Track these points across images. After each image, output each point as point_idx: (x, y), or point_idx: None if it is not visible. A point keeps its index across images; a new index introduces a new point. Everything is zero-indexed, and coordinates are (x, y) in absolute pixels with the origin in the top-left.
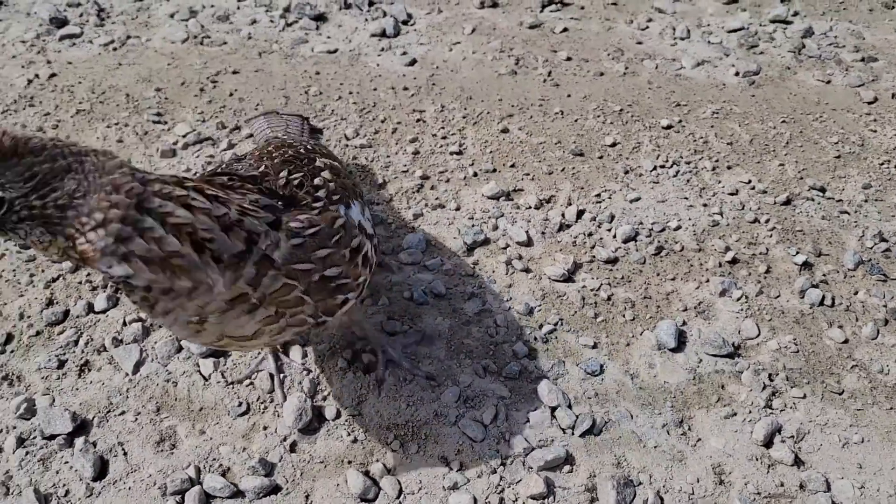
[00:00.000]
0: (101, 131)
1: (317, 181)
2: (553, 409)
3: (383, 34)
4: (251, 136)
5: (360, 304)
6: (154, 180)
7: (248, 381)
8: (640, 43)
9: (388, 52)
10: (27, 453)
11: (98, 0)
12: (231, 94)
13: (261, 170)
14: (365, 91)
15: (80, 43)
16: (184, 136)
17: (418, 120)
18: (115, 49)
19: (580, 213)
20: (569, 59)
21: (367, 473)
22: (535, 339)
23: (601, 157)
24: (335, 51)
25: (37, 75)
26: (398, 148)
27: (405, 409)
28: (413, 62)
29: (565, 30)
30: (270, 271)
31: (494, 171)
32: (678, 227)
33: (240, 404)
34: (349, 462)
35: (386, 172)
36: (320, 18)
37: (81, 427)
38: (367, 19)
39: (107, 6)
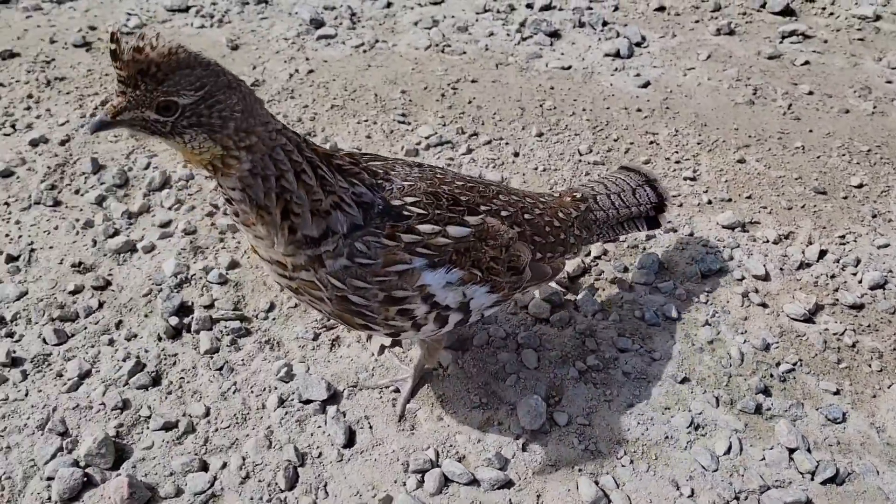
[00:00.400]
0: (352, 126)
1: (453, 230)
2: (791, 451)
3: (617, 54)
4: (489, 142)
5: (432, 344)
6: (283, 131)
7: (484, 381)
8: (889, 82)
9: (621, 72)
10: (286, 413)
11: (351, 5)
12: (470, 102)
13: (419, 186)
14: (598, 109)
15: (334, 43)
16: (426, 138)
17: (651, 142)
18: (364, 51)
19: (822, 253)
20: (810, 93)
21: (597, 483)
22: (772, 376)
23: (846, 198)
24: (569, 67)
25: (297, 70)
26: None
27: (636, 426)
28: (646, 84)
29: (806, 62)
30: (313, 269)
31: (730, 200)
32: None
33: (478, 398)
34: (580, 470)
35: None
36: (554, 35)
37: (333, 397)
38: (600, 39)
39: (358, 11)
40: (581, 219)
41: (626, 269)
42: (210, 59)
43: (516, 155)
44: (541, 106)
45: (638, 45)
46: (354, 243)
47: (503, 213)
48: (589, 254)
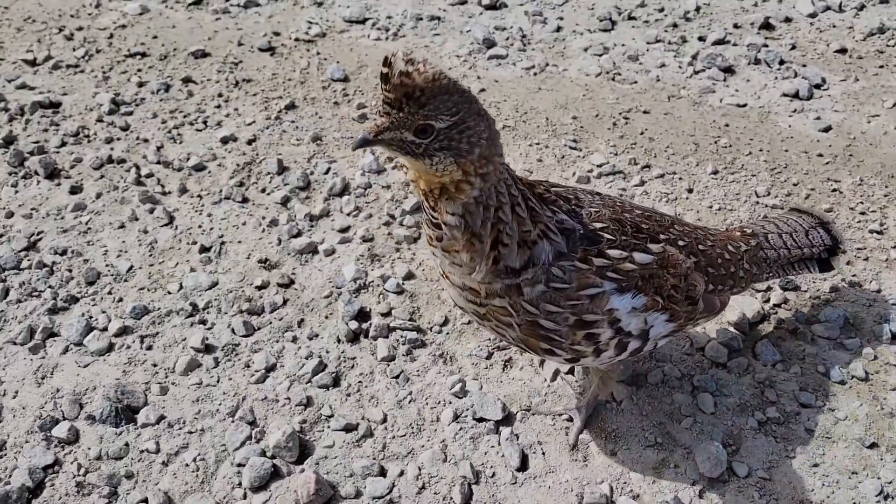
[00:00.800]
0: (523, 148)
1: (638, 256)
2: None
3: (795, 95)
4: (661, 175)
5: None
6: (506, 167)
7: (659, 421)
8: None
9: (799, 114)
10: (460, 428)
11: (522, 27)
12: (642, 133)
13: (604, 213)
14: (775, 150)
15: (504, 64)
16: (598, 166)
17: (834, 190)
18: (535, 74)
19: None
20: None
21: None
22: None
23: None
24: (744, 105)
25: (469, 88)
26: None
27: (820, 487)
28: (827, 129)
29: None
30: (509, 296)
31: None
32: None
33: (652, 437)
34: None
35: None
36: (728, 70)
37: (507, 418)
38: (776, 77)
39: (528, 33)
40: (751, 253)
41: (808, 321)
42: (465, 86)
43: (690, 191)
44: (715, 143)
45: (817, 87)
46: (551, 268)
47: (680, 243)
48: (768, 300)
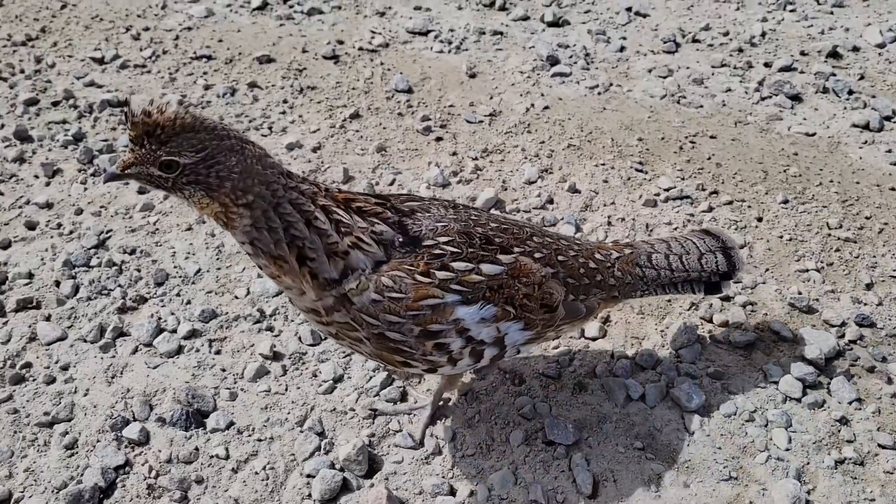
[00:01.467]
0: (588, 168)
1: (486, 267)
2: None
3: (866, 126)
4: (730, 203)
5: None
6: (294, 188)
7: (732, 454)
8: None
9: (870, 145)
10: (530, 451)
11: (586, 45)
12: (709, 158)
13: (452, 227)
14: (846, 182)
15: (568, 82)
16: (666, 191)
17: None
18: (599, 93)
19: None
20: None
21: None
22: None
23: None
24: (813, 134)
25: (532, 105)
26: (886, 250)
27: None
28: None
29: None
30: (344, 309)
31: None
32: None
33: (726, 471)
34: None
35: (873, 273)
36: (796, 98)
37: (577, 443)
38: (846, 108)
39: (592, 52)
40: (623, 261)
41: (884, 359)
42: (216, 123)
43: (759, 220)
44: (784, 171)
45: (888, 118)
46: (381, 278)
47: (536, 255)
48: (843, 335)
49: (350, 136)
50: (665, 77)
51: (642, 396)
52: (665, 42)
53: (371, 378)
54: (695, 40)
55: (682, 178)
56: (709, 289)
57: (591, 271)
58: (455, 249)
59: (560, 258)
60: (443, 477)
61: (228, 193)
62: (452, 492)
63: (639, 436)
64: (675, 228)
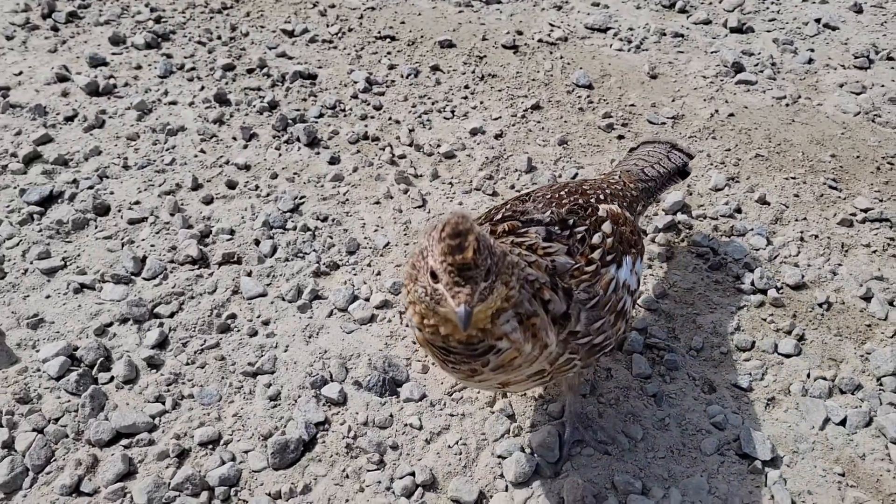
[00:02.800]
0: (778, 181)
1: (595, 238)
2: None
3: None
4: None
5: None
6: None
7: None
8: None
9: None
10: (723, 462)
11: (772, 54)
12: None
13: (546, 215)
14: None
15: (753, 90)
16: (864, 211)
17: None
18: (786, 105)
19: None
20: None
21: None
22: None
23: None
24: None
25: (717, 111)
26: None
27: None
28: None
29: None
30: (564, 344)
31: None
32: None
33: None
34: None
35: None
36: None
37: (773, 460)
38: None
39: (778, 62)
40: (629, 180)
41: None
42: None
43: None
44: None
45: None
46: (577, 295)
47: (603, 199)
48: None
49: (531, 126)
50: (858, 94)
51: (843, 421)
52: (857, 57)
53: None
54: (889, 58)
55: (881, 200)
56: (682, 175)
57: (624, 196)
58: (582, 226)
59: (609, 193)
60: (634, 476)
61: (506, 280)
62: (645, 491)
63: (839, 461)
64: (875, 252)
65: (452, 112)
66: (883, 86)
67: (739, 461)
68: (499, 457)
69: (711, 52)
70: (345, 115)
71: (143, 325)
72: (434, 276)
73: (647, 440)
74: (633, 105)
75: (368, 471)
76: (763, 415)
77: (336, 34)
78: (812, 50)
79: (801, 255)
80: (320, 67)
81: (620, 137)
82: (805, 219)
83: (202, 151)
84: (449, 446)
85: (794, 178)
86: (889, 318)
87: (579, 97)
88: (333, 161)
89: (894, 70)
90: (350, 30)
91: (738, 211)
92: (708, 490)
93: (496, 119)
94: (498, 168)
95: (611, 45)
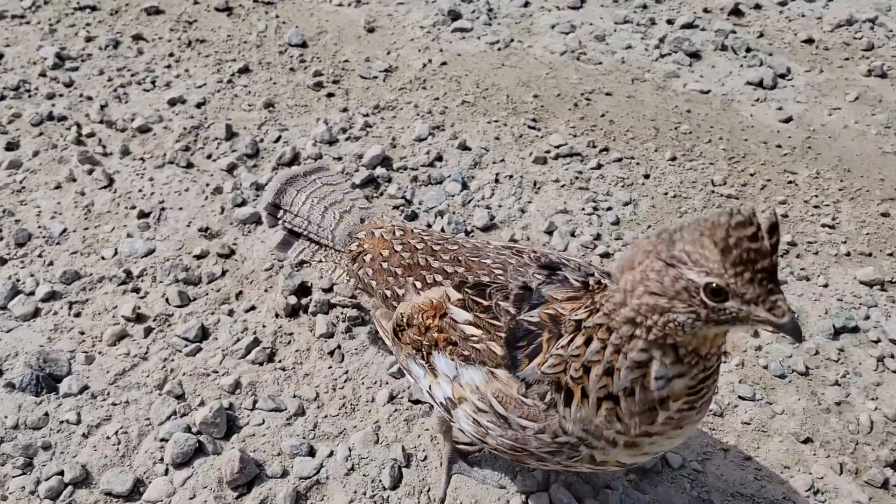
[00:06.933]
0: (481, 125)
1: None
2: None
3: (759, 84)
4: (619, 160)
5: None
6: None
7: None
8: None
9: (762, 103)
10: (395, 410)
11: (489, 0)
12: (602, 115)
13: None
14: (735, 139)
15: (469, 37)
16: (556, 147)
17: (790, 182)
18: (499, 49)
19: None
20: None
21: None
22: None
23: None
24: (707, 91)
25: (430, 60)
26: (766, 206)
27: (752, 481)
28: (788, 119)
29: None
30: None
31: (870, 255)
32: None
33: None
34: None
35: None
36: (694, 56)
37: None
38: (742, 65)
39: (496, 7)
40: None
41: None
42: None
43: (646, 177)
44: (676, 129)
45: (782, 76)
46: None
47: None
48: None
49: (238, 91)
50: (567, 33)
51: None
52: None
53: (238, 340)
54: None
55: (574, 136)
56: None
57: None
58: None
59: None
60: (303, 438)
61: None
62: (312, 452)
63: None
64: (563, 186)
65: (153, 83)
66: (591, 24)
67: (412, 407)
68: (161, 440)
69: (431, 2)
70: (29, 96)
71: None
72: (718, 293)
73: (320, 399)
74: (346, 61)
75: (13, 477)
76: None
77: (29, 8)
78: None
79: (494, 196)
80: (7, 46)
81: (330, 95)
82: (503, 160)
83: None
84: (107, 437)
85: (496, 121)
86: (569, 249)
87: (291, 57)
88: (11, 147)
89: (604, 8)
90: (47, 2)
91: (439, 159)
92: (375, 440)
93: (200, 87)
94: (196, 138)
95: (330, 1)
